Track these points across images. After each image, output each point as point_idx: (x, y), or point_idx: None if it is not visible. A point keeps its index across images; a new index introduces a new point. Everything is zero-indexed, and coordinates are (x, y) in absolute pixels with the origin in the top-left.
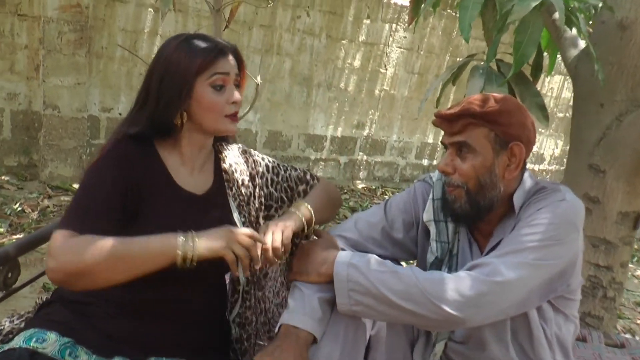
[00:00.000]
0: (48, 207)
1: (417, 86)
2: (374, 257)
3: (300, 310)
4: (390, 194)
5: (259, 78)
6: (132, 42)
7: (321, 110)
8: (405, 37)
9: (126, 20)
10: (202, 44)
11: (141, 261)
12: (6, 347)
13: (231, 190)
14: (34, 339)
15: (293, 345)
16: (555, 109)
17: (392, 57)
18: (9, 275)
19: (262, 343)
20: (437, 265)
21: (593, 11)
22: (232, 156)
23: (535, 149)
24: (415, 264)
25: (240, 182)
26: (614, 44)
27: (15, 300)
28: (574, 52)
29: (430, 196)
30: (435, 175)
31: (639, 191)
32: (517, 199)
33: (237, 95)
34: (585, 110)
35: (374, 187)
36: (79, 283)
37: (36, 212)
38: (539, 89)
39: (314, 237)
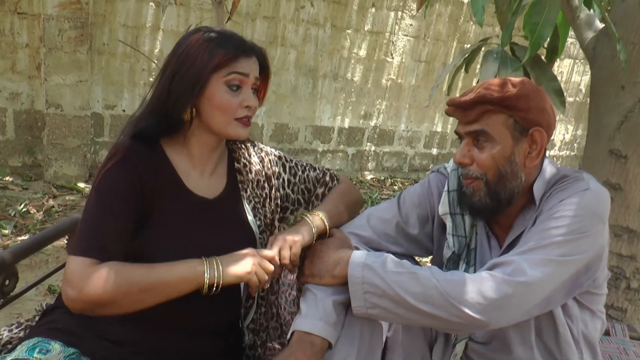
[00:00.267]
0: (53, 207)
1: (425, 74)
2: (390, 257)
3: (314, 315)
4: (400, 184)
5: None
6: (134, 38)
7: (328, 102)
8: (411, 24)
9: (127, 16)
10: (226, 40)
11: (166, 291)
12: (8, 357)
13: (246, 192)
14: (37, 350)
15: (308, 353)
16: (565, 94)
17: (398, 45)
18: (6, 283)
19: (272, 345)
20: (454, 260)
21: None
22: (247, 155)
23: None
24: (430, 260)
25: (255, 183)
26: (636, 23)
27: (21, 304)
28: (590, 34)
29: (446, 188)
30: (450, 165)
31: None
32: (538, 189)
33: (252, 99)
34: (605, 93)
35: (382, 178)
36: (100, 311)
37: (41, 213)
38: None
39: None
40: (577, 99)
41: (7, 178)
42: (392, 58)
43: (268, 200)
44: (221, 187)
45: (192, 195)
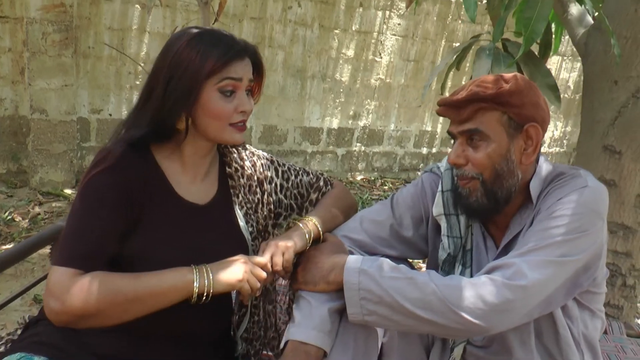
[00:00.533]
0: (39, 214)
1: (414, 73)
2: (386, 262)
3: (308, 324)
4: (390, 185)
5: None
6: (120, 40)
7: (316, 102)
8: (399, 24)
9: (112, 18)
10: (217, 44)
11: (154, 301)
12: None
13: (237, 197)
14: None
15: None
16: None
17: (386, 45)
18: None
19: (266, 353)
20: (449, 262)
21: None
22: (238, 159)
23: None
24: (425, 263)
25: (247, 188)
26: (628, 17)
27: (5, 315)
28: (581, 29)
29: (439, 188)
30: (443, 165)
31: None
32: (534, 188)
33: (247, 103)
34: (598, 88)
35: (373, 178)
36: (85, 324)
37: (26, 220)
38: None
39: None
40: (566, 95)
41: None
42: (381, 58)
43: (260, 205)
44: (212, 193)
45: (183, 201)
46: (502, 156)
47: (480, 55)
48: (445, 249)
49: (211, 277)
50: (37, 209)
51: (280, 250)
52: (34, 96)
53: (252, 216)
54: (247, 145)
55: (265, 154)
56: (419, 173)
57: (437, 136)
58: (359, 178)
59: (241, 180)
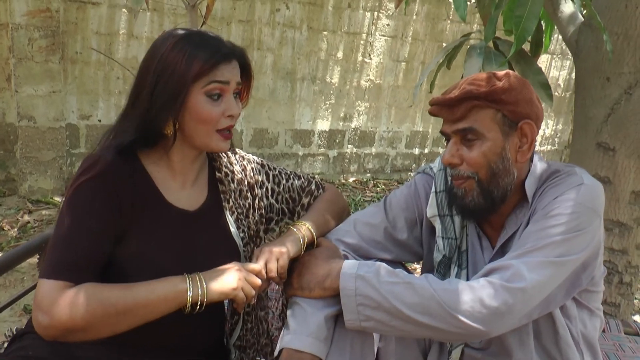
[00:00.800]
0: (28, 222)
1: (404, 74)
2: (383, 266)
3: (303, 331)
4: (383, 186)
5: None
6: (107, 45)
7: (307, 105)
8: (388, 24)
9: (99, 23)
10: (203, 46)
11: (146, 312)
12: None
13: (228, 202)
14: None
15: None
16: None
17: (376, 46)
18: None
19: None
20: (445, 264)
21: None
22: (228, 164)
23: None
24: (420, 266)
25: (237, 193)
26: (619, 13)
27: None
28: (572, 27)
29: (433, 189)
30: (436, 165)
31: None
32: (530, 186)
33: (234, 107)
34: (590, 85)
35: (365, 180)
36: (75, 337)
37: (15, 229)
38: None
39: None
40: (557, 93)
41: None
42: (370, 59)
43: (252, 210)
44: (202, 199)
45: (172, 208)
46: (497, 154)
47: (471, 54)
48: (440, 251)
49: (205, 286)
50: (26, 218)
51: (274, 256)
52: (21, 103)
53: (244, 221)
54: (237, 150)
55: (255, 158)
56: (412, 174)
57: (428, 136)
58: (351, 180)
59: (231, 185)
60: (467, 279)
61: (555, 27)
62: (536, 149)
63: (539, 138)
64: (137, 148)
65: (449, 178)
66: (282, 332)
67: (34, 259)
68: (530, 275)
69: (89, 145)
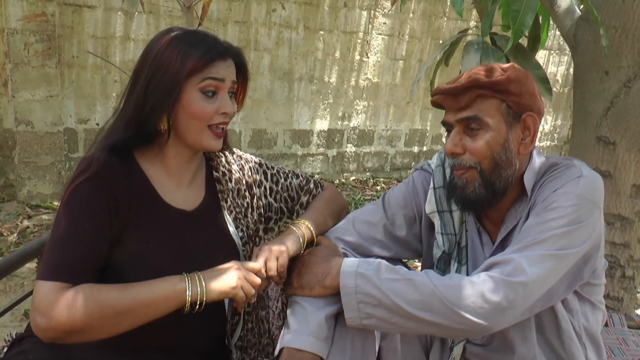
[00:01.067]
0: (28, 227)
1: (402, 72)
2: (383, 263)
3: (304, 330)
4: (383, 185)
5: None
6: (104, 49)
7: (305, 105)
8: (384, 23)
9: (95, 26)
10: (198, 43)
11: (145, 312)
12: None
13: (226, 202)
14: None
15: None
16: None
17: (373, 44)
18: None
19: None
20: (445, 260)
21: None
22: (225, 163)
23: None
24: (420, 263)
25: (235, 192)
26: (616, 7)
27: None
28: (569, 21)
29: (431, 185)
30: (434, 161)
31: None
32: (528, 179)
33: (229, 105)
34: (589, 79)
35: (364, 179)
36: (74, 339)
37: (15, 235)
38: None
39: None
40: (555, 89)
41: None
42: (368, 57)
43: (250, 209)
44: (200, 198)
45: (170, 208)
46: (500, 145)
47: (469, 50)
48: (439, 247)
49: (204, 285)
50: (25, 223)
51: (274, 255)
52: (18, 108)
53: (242, 221)
54: (235, 149)
55: (253, 157)
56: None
57: (427, 134)
58: (351, 179)
59: (229, 184)
60: (467, 275)
61: (553, 21)
62: (536, 144)
63: (538, 134)
64: (132, 147)
65: (450, 169)
66: (282, 331)
67: (33, 264)
68: (531, 269)
69: (88, 149)
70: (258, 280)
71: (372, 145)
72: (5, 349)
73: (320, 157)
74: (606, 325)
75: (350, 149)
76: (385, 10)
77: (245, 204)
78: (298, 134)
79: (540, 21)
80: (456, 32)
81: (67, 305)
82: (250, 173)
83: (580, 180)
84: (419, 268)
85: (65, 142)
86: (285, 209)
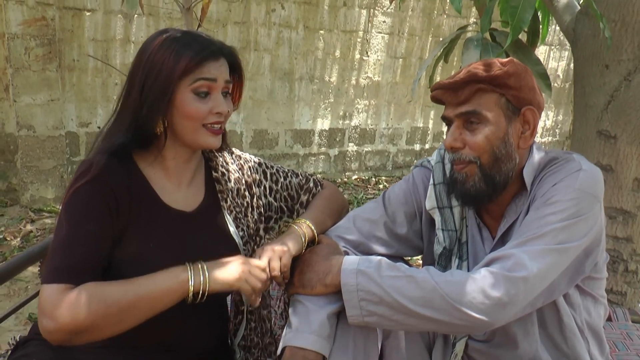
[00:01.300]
0: (31, 231)
1: (402, 70)
2: (384, 261)
3: (306, 329)
4: (385, 183)
5: None
6: (104, 52)
7: (306, 104)
8: (384, 21)
9: (95, 30)
10: (190, 43)
11: (149, 306)
12: None
13: (226, 202)
14: None
15: None
16: None
17: (373, 43)
18: None
19: None
20: (446, 256)
21: None
22: (224, 163)
23: None
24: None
25: (235, 192)
26: (616, 0)
27: None
28: (569, 15)
29: (431, 181)
30: (434, 158)
31: None
32: (528, 174)
33: (222, 105)
34: (589, 73)
35: (366, 178)
36: (81, 339)
37: (18, 239)
38: None
39: None
40: (556, 84)
41: None
42: (368, 56)
43: (250, 209)
44: (200, 199)
45: (170, 209)
46: (500, 139)
47: (469, 46)
48: (440, 243)
49: (207, 275)
50: (28, 227)
51: (277, 255)
52: (19, 112)
53: (242, 220)
54: (234, 149)
55: (252, 156)
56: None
57: (429, 132)
58: (353, 178)
59: (228, 184)
60: (468, 271)
61: (552, 16)
62: (537, 140)
63: (539, 129)
64: (131, 150)
65: (450, 163)
66: (284, 330)
67: (36, 268)
68: (532, 263)
69: (88, 152)
70: (264, 275)
71: (374, 143)
72: (9, 352)
73: (322, 156)
74: (610, 319)
75: (351, 148)
76: (384, 9)
77: (245, 204)
78: (299, 133)
79: (541, 17)
80: (456, 29)
81: (70, 304)
82: (249, 172)
83: (580, 174)
84: (421, 265)
85: (67, 146)
86: (285, 208)
